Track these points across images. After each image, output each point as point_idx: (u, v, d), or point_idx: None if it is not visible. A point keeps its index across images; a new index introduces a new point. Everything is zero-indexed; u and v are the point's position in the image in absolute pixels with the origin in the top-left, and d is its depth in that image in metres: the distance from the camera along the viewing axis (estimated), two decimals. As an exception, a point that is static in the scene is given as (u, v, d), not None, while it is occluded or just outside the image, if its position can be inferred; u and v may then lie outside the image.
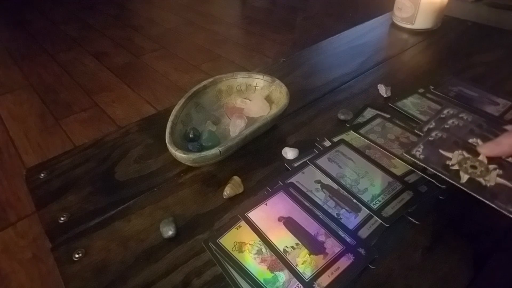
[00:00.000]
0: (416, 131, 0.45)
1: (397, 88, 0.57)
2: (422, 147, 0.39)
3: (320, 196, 0.39)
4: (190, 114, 0.49)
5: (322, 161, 0.43)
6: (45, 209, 0.40)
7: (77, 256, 0.35)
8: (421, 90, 0.56)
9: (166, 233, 0.36)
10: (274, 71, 0.64)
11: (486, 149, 0.36)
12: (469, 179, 0.34)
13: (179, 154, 0.40)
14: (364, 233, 0.35)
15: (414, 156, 0.38)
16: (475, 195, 0.33)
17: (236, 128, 0.47)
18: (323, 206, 0.37)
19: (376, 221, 0.36)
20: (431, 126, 0.42)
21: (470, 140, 0.39)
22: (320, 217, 0.36)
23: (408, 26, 0.78)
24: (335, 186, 0.40)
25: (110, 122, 1.25)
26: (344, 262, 0.32)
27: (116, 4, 2.41)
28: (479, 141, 0.38)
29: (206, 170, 0.44)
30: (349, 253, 0.33)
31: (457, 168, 0.36)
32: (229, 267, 0.32)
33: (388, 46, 0.74)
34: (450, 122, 0.42)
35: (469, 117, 0.43)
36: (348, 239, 0.34)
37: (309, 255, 0.33)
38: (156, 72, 1.56)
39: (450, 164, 0.36)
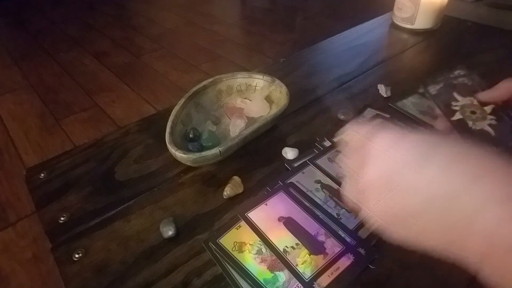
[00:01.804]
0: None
1: (397, 88, 0.57)
2: (441, 85, 0.39)
3: (320, 196, 0.39)
4: (190, 114, 0.49)
5: (322, 161, 0.43)
6: (45, 209, 0.40)
7: (77, 256, 0.35)
8: (421, 90, 0.56)
9: (166, 233, 0.36)
10: (274, 71, 0.64)
11: (484, 94, 0.36)
12: (460, 119, 0.34)
13: (179, 154, 0.40)
14: (364, 233, 0.35)
15: (428, 91, 0.38)
16: (455, 131, 0.33)
17: (236, 128, 0.47)
18: (323, 206, 0.37)
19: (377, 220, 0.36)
20: (461, 73, 0.41)
21: None
22: (320, 217, 0.36)
23: (408, 26, 0.78)
24: (335, 186, 0.40)
25: (110, 122, 1.25)
26: (344, 262, 0.32)
27: (116, 4, 2.41)
28: None
29: (206, 170, 0.44)
30: (349, 253, 0.33)
31: (457, 109, 0.36)
32: (229, 267, 0.32)
33: (388, 46, 0.74)
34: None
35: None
36: (348, 239, 0.34)
37: (309, 255, 0.33)
38: (156, 72, 1.56)
39: (454, 104, 0.36)
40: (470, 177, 0.20)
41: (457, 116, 0.35)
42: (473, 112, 0.36)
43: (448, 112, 0.36)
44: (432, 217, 0.22)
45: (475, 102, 0.37)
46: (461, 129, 0.34)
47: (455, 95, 0.38)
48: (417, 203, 0.22)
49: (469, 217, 0.20)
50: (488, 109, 0.36)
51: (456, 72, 0.42)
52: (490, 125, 0.34)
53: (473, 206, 0.19)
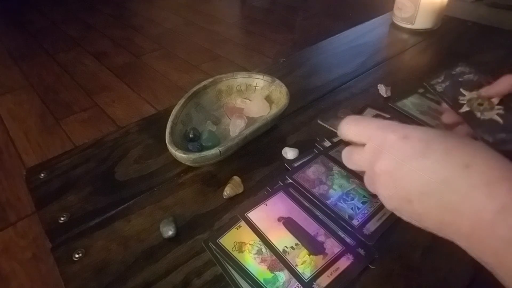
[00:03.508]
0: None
1: (397, 88, 0.57)
2: (447, 83, 0.39)
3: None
4: (190, 114, 0.49)
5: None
6: (45, 209, 0.40)
7: (77, 256, 0.35)
8: (421, 90, 0.56)
9: (166, 233, 0.36)
10: (274, 71, 0.64)
11: (487, 89, 0.36)
12: (468, 111, 0.35)
13: (179, 154, 0.40)
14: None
15: (434, 88, 0.38)
16: (464, 121, 0.34)
17: (236, 128, 0.47)
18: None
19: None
20: (464, 70, 0.41)
21: None
22: (320, 217, 0.36)
23: (408, 26, 0.78)
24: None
25: (110, 122, 1.25)
26: (344, 263, 0.32)
27: (116, 4, 2.41)
28: None
29: (206, 170, 0.44)
30: (348, 254, 0.33)
31: (464, 102, 0.36)
32: (229, 267, 0.32)
33: (388, 46, 0.74)
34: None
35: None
36: (348, 239, 0.34)
37: (309, 255, 0.33)
38: (156, 72, 1.56)
39: (461, 98, 0.36)
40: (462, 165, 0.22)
41: (465, 108, 0.35)
42: (480, 104, 0.36)
43: (456, 105, 0.36)
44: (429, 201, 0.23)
45: (482, 95, 0.37)
46: (470, 120, 0.34)
47: (462, 90, 0.38)
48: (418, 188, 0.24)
49: (458, 201, 0.21)
50: (495, 100, 0.36)
51: (458, 69, 0.41)
52: (498, 114, 0.34)
53: (463, 190, 0.21)
